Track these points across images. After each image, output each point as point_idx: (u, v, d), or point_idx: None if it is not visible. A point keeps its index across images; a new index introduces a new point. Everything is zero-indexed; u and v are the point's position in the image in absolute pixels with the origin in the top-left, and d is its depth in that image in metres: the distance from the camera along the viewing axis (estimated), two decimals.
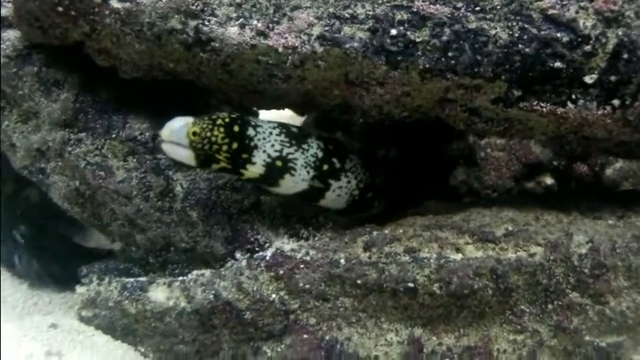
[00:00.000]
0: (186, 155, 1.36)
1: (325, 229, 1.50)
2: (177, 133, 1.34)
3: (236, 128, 1.38)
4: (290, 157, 1.45)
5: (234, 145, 1.37)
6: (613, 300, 1.36)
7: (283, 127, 1.49)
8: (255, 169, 1.40)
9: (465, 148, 2.02)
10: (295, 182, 1.46)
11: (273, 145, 1.43)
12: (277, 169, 1.42)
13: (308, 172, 1.47)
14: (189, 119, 1.35)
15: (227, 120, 1.38)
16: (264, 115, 2.35)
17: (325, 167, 1.49)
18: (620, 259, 1.36)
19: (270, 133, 1.44)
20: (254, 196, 1.51)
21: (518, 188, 1.95)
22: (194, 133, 1.35)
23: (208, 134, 1.35)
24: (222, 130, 1.36)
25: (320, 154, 1.49)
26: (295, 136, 1.47)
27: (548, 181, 1.95)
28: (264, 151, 1.41)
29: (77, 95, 1.49)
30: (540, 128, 1.42)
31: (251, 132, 1.40)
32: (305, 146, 1.48)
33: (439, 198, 1.85)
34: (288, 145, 1.45)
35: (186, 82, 1.49)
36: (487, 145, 1.97)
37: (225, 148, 1.36)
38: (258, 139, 1.41)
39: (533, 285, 1.39)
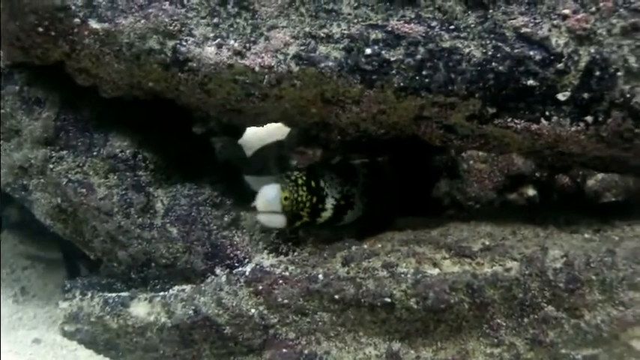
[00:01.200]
0: (280, 221, 1.46)
1: (305, 244, 1.52)
2: (273, 202, 1.42)
3: (313, 184, 1.50)
4: (349, 193, 1.58)
5: (314, 200, 1.49)
6: (588, 314, 1.37)
7: (333, 168, 1.63)
8: (326, 214, 1.53)
9: (448, 160, 2.05)
10: (354, 214, 1.60)
11: (336, 189, 1.55)
12: (341, 208, 1.55)
13: (362, 201, 1.62)
14: (276, 186, 1.44)
15: (304, 178, 1.49)
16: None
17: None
18: (594, 273, 1.37)
19: (332, 179, 1.56)
20: (234, 212, 1.53)
21: (501, 199, 1.98)
22: (285, 198, 1.46)
23: (295, 195, 1.45)
24: (304, 189, 1.48)
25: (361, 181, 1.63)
26: (345, 171, 1.61)
27: (530, 192, 1.98)
28: (332, 197, 1.53)
29: (58, 113, 1.51)
30: (516, 144, 1.44)
31: (322, 183, 1.53)
32: (356, 179, 1.62)
33: (424, 210, 1.87)
34: (344, 183, 1.58)
35: (166, 100, 1.51)
36: (470, 157, 2.00)
37: (308, 204, 1.48)
38: (327, 188, 1.54)
39: (509, 299, 1.40)
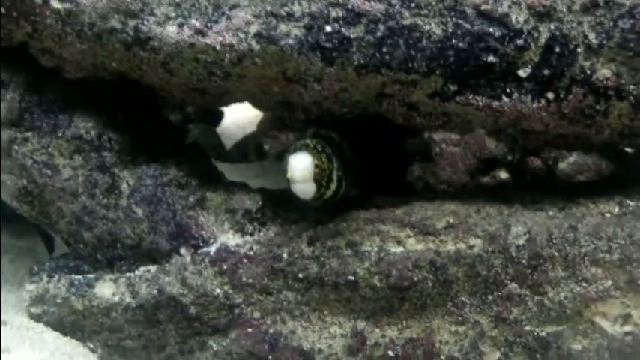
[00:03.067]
0: (313, 190, 1.35)
1: (272, 223, 1.52)
2: (309, 170, 1.31)
3: (327, 150, 1.40)
4: (339, 165, 1.45)
5: (330, 168, 1.39)
6: (551, 290, 1.38)
7: (325, 139, 1.48)
8: (333, 186, 1.41)
9: (421, 144, 2.04)
10: (344, 188, 1.47)
11: (336, 160, 1.43)
12: (340, 180, 1.44)
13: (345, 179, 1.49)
14: (307, 154, 1.33)
15: (321, 146, 1.39)
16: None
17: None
18: (556, 249, 1.38)
19: (331, 147, 1.44)
20: (199, 193, 1.52)
21: (474, 183, 1.97)
22: (316, 166, 1.35)
23: (321, 163, 1.35)
24: (325, 156, 1.37)
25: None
26: (331, 144, 1.48)
27: (503, 175, 1.97)
28: (336, 169, 1.42)
29: (23, 95, 1.50)
30: (479, 122, 1.44)
31: (329, 150, 1.41)
32: (337, 151, 1.49)
33: (397, 194, 1.87)
34: (334, 154, 1.45)
35: (133, 81, 1.51)
36: (442, 140, 1.99)
37: (327, 173, 1.37)
38: (334, 157, 1.43)
39: (472, 276, 1.41)
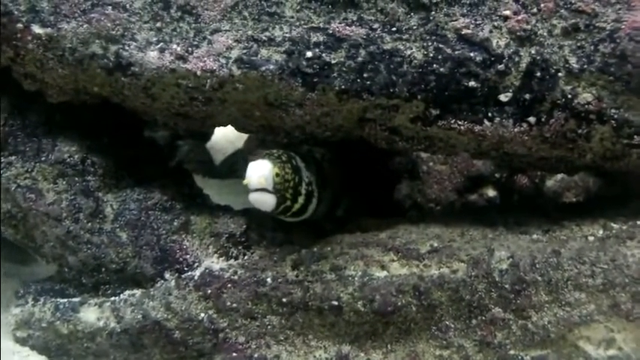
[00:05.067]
0: (272, 202, 1.28)
1: (256, 247, 1.52)
2: (268, 178, 1.26)
3: (294, 162, 1.35)
4: (311, 180, 1.40)
5: (296, 180, 1.33)
6: (535, 314, 1.37)
7: (296, 152, 1.43)
8: (301, 199, 1.37)
9: (408, 163, 2.05)
10: (315, 204, 1.42)
11: (305, 171, 1.38)
12: (309, 194, 1.38)
13: (319, 194, 1.44)
14: (267, 161, 1.27)
15: (287, 155, 1.33)
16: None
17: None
18: (539, 274, 1.37)
19: (301, 161, 1.40)
20: (184, 216, 1.52)
21: (462, 201, 1.97)
22: (277, 175, 1.30)
23: (283, 173, 1.29)
24: (289, 166, 1.32)
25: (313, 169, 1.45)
26: (305, 158, 1.43)
27: (491, 193, 1.98)
28: (305, 180, 1.37)
29: (7, 119, 1.51)
30: (461, 145, 1.44)
31: (299, 163, 1.37)
32: (312, 166, 1.44)
33: (386, 212, 1.87)
34: (307, 169, 1.41)
35: (115, 105, 1.51)
36: (429, 158, 2.00)
37: (292, 184, 1.31)
38: (302, 168, 1.38)
39: (456, 301, 1.40)
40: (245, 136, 2.51)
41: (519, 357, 1.38)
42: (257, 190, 1.27)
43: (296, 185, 1.34)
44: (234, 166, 2.42)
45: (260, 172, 1.26)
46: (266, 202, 1.28)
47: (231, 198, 1.86)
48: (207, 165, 2.41)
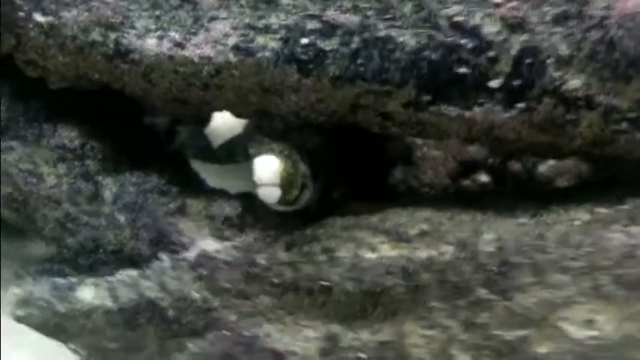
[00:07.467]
0: (277, 195, 1.39)
1: (251, 229, 1.56)
2: (277, 174, 1.36)
3: (294, 157, 1.44)
4: (305, 172, 1.48)
5: (295, 173, 1.42)
6: (519, 296, 1.42)
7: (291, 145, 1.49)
8: (295, 192, 1.44)
9: (403, 148, 2.08)
10: (306, 196, 1.49)
11: (302, 165, 1.46)
12: (302, 188, 1.46)
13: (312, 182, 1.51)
14: (273, 157, 1.38)
15: (287, 150, 1.43)
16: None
17: None
18: (525, 256, 1.41)
19: (296, 153, 1.47)
20: (180, 200, 1.56)
21: (455, 186, 2.01)
22: (284, 170, 1.38)
23: (287, 167, 1.39)
24: (290, 160, 1.42)
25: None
26: (299, 150, 1.50)
27: (484, 178, 2.01)
28: (300, 174, 1.45)
29: (9, 105, 1.55)
30: (452, 131, 1.47)
31: (295, 156, 1.45)
32: (306, 158, 1.50)
33: (380, 197, 1.90)
34: (302, 160, 1.47)
35: (115, 91, 1.54)
36: (424, 143, 2.03)
37: (291, 179, 1.40)
38: (299, 161, 1.45)
39: (443, 282, 1.45)
40: (244, 121, 2.54)
41: (502, 337, 1.43)
42: (266, 185, 1.37)
43: (294, 177, 1.42)
44: (233, 151, 2.46)
45: (270, 168, 1.37)
46: (274, 195, 1.39)
47: (230, 182, 1.90)
48: (206, 150, 2.45)
